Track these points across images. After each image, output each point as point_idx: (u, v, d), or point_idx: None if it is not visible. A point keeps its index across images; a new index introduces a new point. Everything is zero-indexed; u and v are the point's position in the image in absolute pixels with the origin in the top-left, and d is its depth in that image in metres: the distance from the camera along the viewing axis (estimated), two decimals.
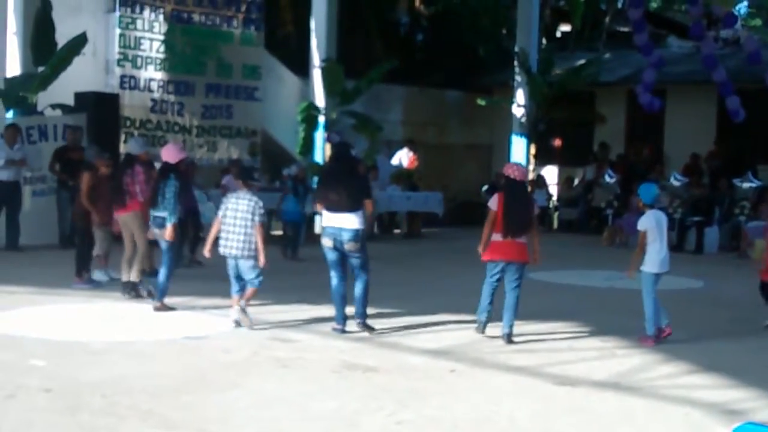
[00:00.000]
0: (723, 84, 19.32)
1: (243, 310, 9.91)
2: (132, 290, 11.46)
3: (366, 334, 9.75)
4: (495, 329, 9.70)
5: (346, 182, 9.82)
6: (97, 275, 12.57)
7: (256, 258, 9.87)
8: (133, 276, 11.50)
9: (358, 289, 9.83)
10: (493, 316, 9.78)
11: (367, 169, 17.35)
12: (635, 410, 7.25)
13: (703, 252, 18.99)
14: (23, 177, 16.55)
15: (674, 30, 28.05)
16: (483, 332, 9.72)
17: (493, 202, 9.67)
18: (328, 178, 10.14)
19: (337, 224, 9.69)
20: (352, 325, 9.85)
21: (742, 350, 9.69)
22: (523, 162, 23.18)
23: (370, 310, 10.02)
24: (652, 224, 9.75)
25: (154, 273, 11.50)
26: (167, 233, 10.71)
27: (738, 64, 21.49)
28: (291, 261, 15.54)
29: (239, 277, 9.98)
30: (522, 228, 9.65)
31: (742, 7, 26.20)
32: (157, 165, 11.56)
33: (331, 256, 9.82)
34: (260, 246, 9.85)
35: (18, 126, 16.25)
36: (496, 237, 9.61)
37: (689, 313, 11.54)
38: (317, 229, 18.73)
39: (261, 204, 9.94)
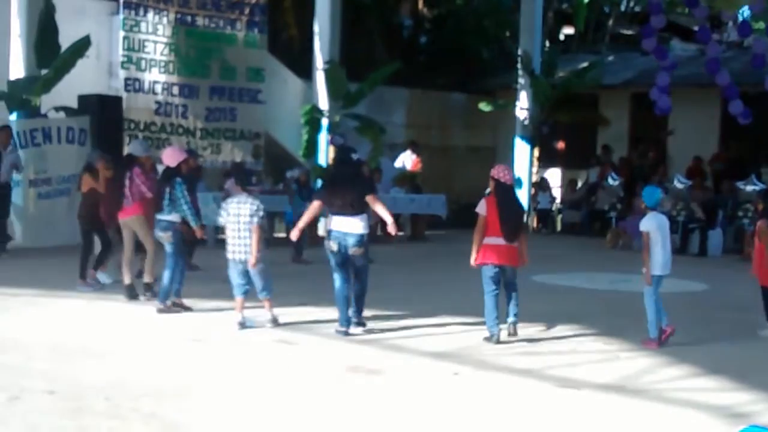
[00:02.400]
0: (727, 87, 19.28)
1: (274, 320, 10.06)
2: (149, 290, 11.47)
3: (367, 336, 9.76)
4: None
5: (351, 186, 9.86)
6: (101, 277, 12.58)
7: (262, 260, 9.92)
8: (146, 277, 11.58)
9: (357, 288, 9.97)
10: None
11: (371, 171, 17.35)
12: (639, 413, 7.24)
13: (706, 255, 18.97)
14: (29, 180, 16.59)
15: (677, 32, 28.03)
16: (498, 342, 9.62)
17: (482, 207, 9.67)
18: (333, 183, 10.18)
19: (343, 229, 9.72)
20: (355, 328, 9.86)
21: (746, 353, 9.68)
22: (527, 164, 23.21)
23: (373, 312, 10.07)
24: (653, 226, 9.74)
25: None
26: (197, 233, 10.82)
27: (742, 67, 21.47)
28: (295, 263, 15.52)
29: (246, 279, 10.01)
30: (519, 230, 9.69)
31: (745, 10, 26.13)
32: (161, 168, 11.59)
33: (336, 259, 9.86)
34: (254, 247, 9.90)
35: (10, 128, 16.22)
36: (490, 240, 9.61)
37: (693, 315, 11.53)
38: (321, 231, 18.80)
39: (262, 207, 10.01)
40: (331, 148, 20.75)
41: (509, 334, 9.75)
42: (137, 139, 17.04)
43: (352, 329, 9.86)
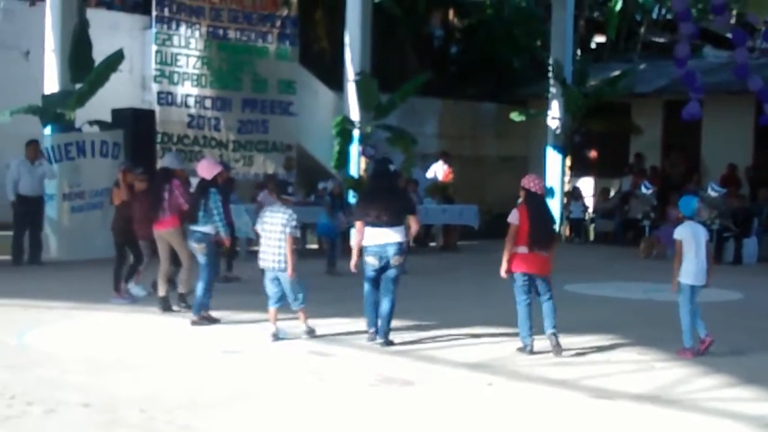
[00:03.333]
0: (761, 91, 19.15)
1: (310, 331, 10.06)
2: (183, 301, 11.57)
3: (400, 347, 9.74)
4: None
5: (388, 198, 9.90)
6: (135, 290, 12.65)
7: (297, 271, 9.94)
8: (181, 288, 11.67)
9: (385, 306, 9.87)
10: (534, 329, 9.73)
11: (407, 181, 17.32)
12: (674, 424, 7.19)
13: (741, 263, 18.83)
14: (63, 193, 16.74)
15: (710, 40, 27.88)
16: (532, 352, 9.58)
17: (514, 217, 9.65)
18: (370, 195, 10.19)
19: (382, 241, 9.75)
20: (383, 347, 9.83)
21: None
22: (559, 173, 23.15)
23: (406, 323, 10.06)
24: (688, 235, 9.69)
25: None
26: (225, 242, 10.84)
27: None
28: (328, 275, 15.54)
29: (279, 289, 10.03)
30: (549, 240, 9.64)
31: None
32: (193, 180, 11.65)
33: (372, 274, 9.91)
34: (289, 257, 9.90)
35: (38, 142, 16.37)
36: (521, 249, 9.58)
37: (729, 325, 11.43)
38: (351, 242, 18.80)
39: (295, 217, 10.00)
40: (363, 159, 20.78)
41: (553, 346, 9.55)
42: (171, 152, 17.14)
43: (378, 342, 9.86)
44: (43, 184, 16.27)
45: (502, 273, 9.67)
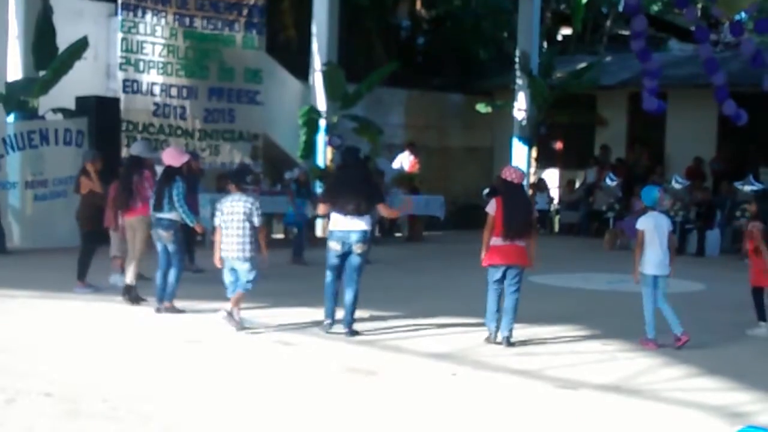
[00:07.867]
0: (720, 88, 19.30)
1: (230, 314, 9.88)
2: (127, 293, 11.39)
3: (365, 337, 9.75)
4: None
5: (357, 187, 9.90)
6: (114, 278, 12.54)
7: (252, 260, 9.87)
8: (128, 279, 11.49)
9: (348, 296, 9.86)
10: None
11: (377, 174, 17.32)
12: (637, 413, 7.24)
13: (704, 255, 18.98)
14: (25, 181, 16.58)
15: (675, 33, 28.07)
16: (494, 340, 9.63)
17: (492, 207, 9.68)
18: (339, 183, 10.18)
19: (346, 227, 9.75)
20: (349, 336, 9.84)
21: (744, 353, 9.69)
22: (524, 165, 23.23)
23: (371, 313, 10.10)
24: (650, 225, 9.76)
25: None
26: (197, 229, 10.76)
27: (739, 67, 21.46)
28: (294, 265, 15.51)
29: (236, 277, 9.98)
30: (521, 231, 9.64)
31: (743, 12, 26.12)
32: (159, 168, 11.58)
33: (334, 260, 9.90)
34: (263, 247, 9.89)
35: None
36: (496, 241, 9.60)
37: (691, 315, 11.49)
38: (319, 232, 18.82)
39: (258, 205, 9.96)
40: (329, 149, 20.76)
41: (501, 341, 9.61)
42: (141, 141, 16.86)
43: (340, 329, 9.86)
44: None
45: (483, 263, 9.71)
